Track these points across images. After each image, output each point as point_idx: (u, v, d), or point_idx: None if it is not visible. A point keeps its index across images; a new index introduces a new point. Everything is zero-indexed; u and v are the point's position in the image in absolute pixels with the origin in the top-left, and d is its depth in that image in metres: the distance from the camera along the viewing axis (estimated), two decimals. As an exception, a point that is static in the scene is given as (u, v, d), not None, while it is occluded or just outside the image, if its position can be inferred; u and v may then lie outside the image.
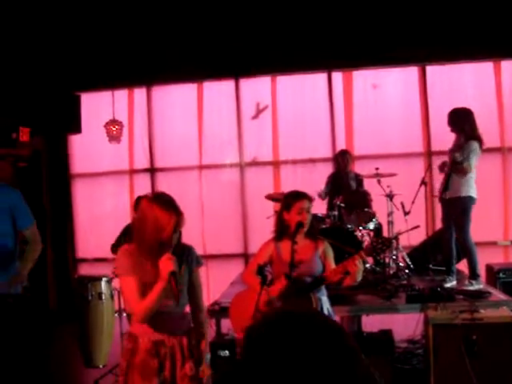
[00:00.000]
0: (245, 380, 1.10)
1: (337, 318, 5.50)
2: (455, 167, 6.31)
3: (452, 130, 6.52)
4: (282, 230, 4.42)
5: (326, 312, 4.32)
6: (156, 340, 3.27)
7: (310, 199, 4.44)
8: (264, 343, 1.10)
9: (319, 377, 1.05)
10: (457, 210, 6.39)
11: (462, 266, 7.02)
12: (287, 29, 8.69)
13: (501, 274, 7.17)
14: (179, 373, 3.27)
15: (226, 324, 5.99)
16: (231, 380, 1.12)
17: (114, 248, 6.09)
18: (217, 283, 7.86)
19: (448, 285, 6.36)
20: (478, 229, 7.20)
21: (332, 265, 4.38)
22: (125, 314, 6.15)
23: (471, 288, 6.22)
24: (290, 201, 4.39)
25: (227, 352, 5.20)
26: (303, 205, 4.32)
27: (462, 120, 6.40)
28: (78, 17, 8.67)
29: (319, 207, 7.56)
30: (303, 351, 1.07)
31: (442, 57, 8.63)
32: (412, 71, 9.05)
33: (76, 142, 9.60)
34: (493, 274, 7.29)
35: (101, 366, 6.36)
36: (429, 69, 8.96)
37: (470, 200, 6.37)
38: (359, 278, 4.24)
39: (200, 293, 3.46)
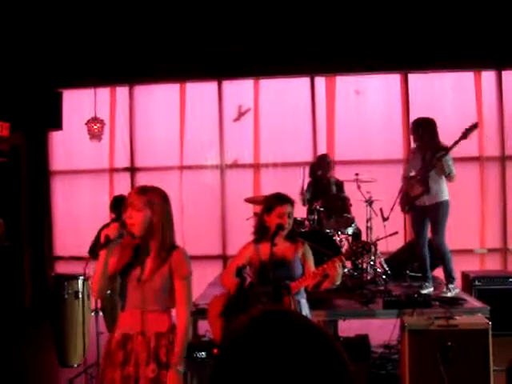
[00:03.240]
0: (224, 379, 1.10)
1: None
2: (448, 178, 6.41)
3: (416, 139, 6.61)
4: (262, 232, 4.40)
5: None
6: (125, 334, 3.37)
7: (293, 204, 4.43)
8: (247, 342, 1.09)
9: (303, 379, 1.05)
10: (438, 214, 6.47)
11: (439, 272, 7.08)
12: (271, 32, 8.71)
13: (476, 282, 7.24)
14: (142, 372, 3.29)
15: (204, 325, 5.98)
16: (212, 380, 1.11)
17: (92, 251, 5.98)
18: (195, 284, 7.83)
19: (425, 291, 6.41)
20: (455, 237, 7.29)
21: (312, 267, 4.37)
22: (101, 313, 6.11)
23: (449, 294, 6.28)
24: (271, 203, 4.37)
25: (203, 354, 5.18)
26: (285, 209, 4.31)
27: (429, 130, 6.52)
28: (62, 14, 8.62)
29: (299, 211, 7.57)
30: (287, 353, 1.06)
31: (423, 65, 8.71)
32: (394, 78, 9.12)
33: (56, 138, 9.52)
34: (469, 281, 7.36)
35: (75, 366, 6.29)
36: (411, 76, 9.04)
37: (448, 204, 6.48)
38: (338, 281, 4.25)
39: (181, 303, 3.39)
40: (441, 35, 8.47)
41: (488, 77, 8.95)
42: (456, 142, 6.33)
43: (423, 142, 6.55)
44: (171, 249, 3.39)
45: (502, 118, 8.85)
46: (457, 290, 6.41)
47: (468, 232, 8.73)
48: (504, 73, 8.87)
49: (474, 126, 6.33)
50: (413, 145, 7.03)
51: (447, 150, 6.35)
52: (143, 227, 3.33)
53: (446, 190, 6.51)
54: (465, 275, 7.64)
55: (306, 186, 7.93)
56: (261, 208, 4.59)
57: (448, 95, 9.03)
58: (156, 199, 3.36)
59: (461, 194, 7.97)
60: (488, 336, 4.94)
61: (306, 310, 4.41)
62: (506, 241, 8.85)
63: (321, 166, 8.08)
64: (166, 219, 3.40)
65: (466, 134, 6.30)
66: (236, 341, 1.11)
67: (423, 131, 6.53)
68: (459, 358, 4.88)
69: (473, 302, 6.05)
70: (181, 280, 3.38)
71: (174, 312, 3.47)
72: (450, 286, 6.42)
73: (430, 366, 4.89)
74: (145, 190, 3.38)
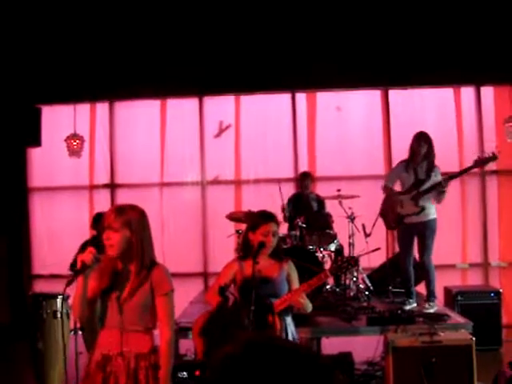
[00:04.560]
0: None
1: (298, 340, 5.46)
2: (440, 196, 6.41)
3: (417, 153, 6.54)
4: (247, 250, 4.37)
5: (289, 333, 4.29)
6: (105, 354, 3.29)
7: (278, 222, 4.42)
8: (232, 373, 1.05)
9: None
10: (427, 232, 6.49)
11: (421, 288, 7.08)
12: (252, 48, 8.72)
13: (459, 297, 7.26)
14: None
15: (185, 344, 5.90)
16: None
17: (73, 267, 5.92)
18: (176, 302, 7.74)
19: (408, 307, 6.40)
20: (437, 252, 7.28)
21: (296, 285, 4.36)
22: (80, 333, 6.00)
23: (430, 310, 6.28)
24: (256, 222, 4.35)
25: (185, 373, 5.10)
26: (269, 228, 4.29)
27: (432, 147, 6.54)
28: (41, 29, 8.56)
29: (280, 227, 7.54)
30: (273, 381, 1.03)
31: (404, 81, 8.77)
32: (375, 94, 9.16)
33: (35, 155, 9.40)
34: (451, 296, 7.37)
35: (54, 387, 6.16)
36: (391, 93, 9.09)
37: (436, 222, 6.53)
38: (308, 309, 4.32)
39: (163, 320, 3.32)
40: (420, 52, 8.54)
41: (467, 93, 9.04)
42: (467, 169, 6.39)
43: (422, 157, 6.50)
44: (151, 266, 3.34)
45: (482, 134, 8.92)
46: (435, 308, 6.43)
47: (450, 247, 8.74)
48: (483, 89, 8.96)
49: (492, 158, 6.29)
50: (402, 157, 6.94)
51: (455, 175, 6.41)
52: (122, 247, 3.27)
53: (434, 209, 6.55)
54: (447, 290, 7.65)
55: (285, 202, 7.96)
56: (245, 225, 4.57)
57: (428, 111, 9.09)
58: (134, 218, 3.30)
59: (442, 209, 7.96)
60: (472, 352, 4.94)
61: (291, 329, 4.37)
62: (487, 255, 8.89)
63: (301, 183, 8.15)
64: (145, 237, 3.35)
65: (480, 163, 6.33)
66: (221, 370, 1.07)
67: (429, 147, 6.49)
68: (443, 374, 4.87)
69: (456, 318, 6.05)
70: (162, 297, 3.31)
71: (156, 332, 3.40)
72: (431, 303, 6.43)
73: (414, 383, 4.86)
74: (122, 210, 3.32)
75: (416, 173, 6.50)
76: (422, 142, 6.47)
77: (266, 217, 4.36)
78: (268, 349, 1.09)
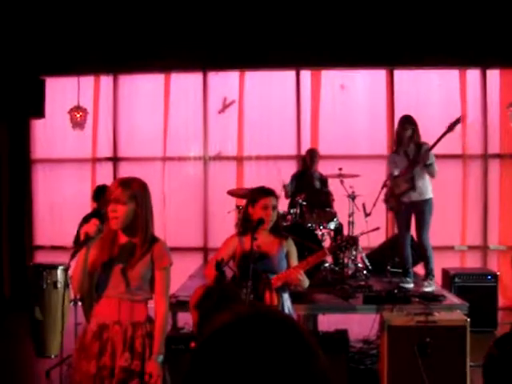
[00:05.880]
0: (199, 376, 1.08)
1: (295, 316, 5.52)
2: (430, 169, 6.45)
3: (402, 136, 6.63)
4: (246, 225, 4.40)
5: (286, 310, 4.33)
6: (101, 324, 3.35)
7: (276, 196, 4.46)
8: (226, 342, 1.08)
9: (276, 378, 1.04)
10: (425, 210, 6.53)
11: (419, 269, 7.12)
12: (257, 24, 8.68)
13: (456, 279, 7.30)
14: (118, 361, 3.28)
15: (183, 318, 5.96)
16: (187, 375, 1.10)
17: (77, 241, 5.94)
18: (175, 276, 7.77)
19: (405, 286, 6.44)
20: (436, 233, 7.32)
21: (295, 262, 4.39)
22: (80, 303, 6.07)
23: (428, 289, 6.35)
24: (255, 196, 4.39)
25: (182, 346, 5.16)
26: (268, 201, 4.32)
27: (417, 129, 6.62)
28: (46, 0, 8.52)
29: (280, 204, 7.56)
30: (264, 355, 1.05)
31: (409, 61, 8.73)
32: (380, 74, 9.13)
33: (38, 126, 9.41)
34: (448, 278, 7.41)
35: (53, 356, 6.25)
36: (396, 73, 9.05)
37: (432, 202, 6.56)
38: (305, 285, 4.35)
39: (160, 292, 3.41)
40: (427, 33, 8.49)
41: (473, 75, 8.99)
42: (441, 137, 6.41)
43: (409, 140, 6.57)
44: (152, 240, 3.40)
45: (486, 117, 8.90)
46: (434, 287, 6.48)
47: (449, 229, 8.78)
48: (488, 72, 8.92)
49: (457, 120, 6.40)
50: (393, 142, 7.05)
51: (434, 143, 6.42)
52: (127, 220, 3.33)
53: (430, 188, 6.57)
54: (445, 272, 7.69)
55: (288, 179, 7.98)
56: (245, 201, 4.60)
57: (433, 92, 9.06)
58: (138, 191, 3.36)
59: (443, 191, 8.00)
60: (466, 333, 4.97)
61: (288, 305, 4.41)
62: (486, 238, 8.92)
63: (308, 160, 8.10)
64: (148, 210, 3.41)
65: (451, 128, 6.38)
66: (215, 340, 1.09)
67: (415, 130, 6.57)
68: (437, 353, 4.91)
69: (452, 299, 6.09)
70: (161, 270, 3.40)
71: (150, 304, 3.47)
72: (430, 281, 6.48)
73: (408, 362, 4.92)
74: (128, 183, 3.37)
75: (407, 155, 6.56)
76: (406, 125, 6.57)
77: (264, 191, 4.41)
78: (261, 321, 1.11)
